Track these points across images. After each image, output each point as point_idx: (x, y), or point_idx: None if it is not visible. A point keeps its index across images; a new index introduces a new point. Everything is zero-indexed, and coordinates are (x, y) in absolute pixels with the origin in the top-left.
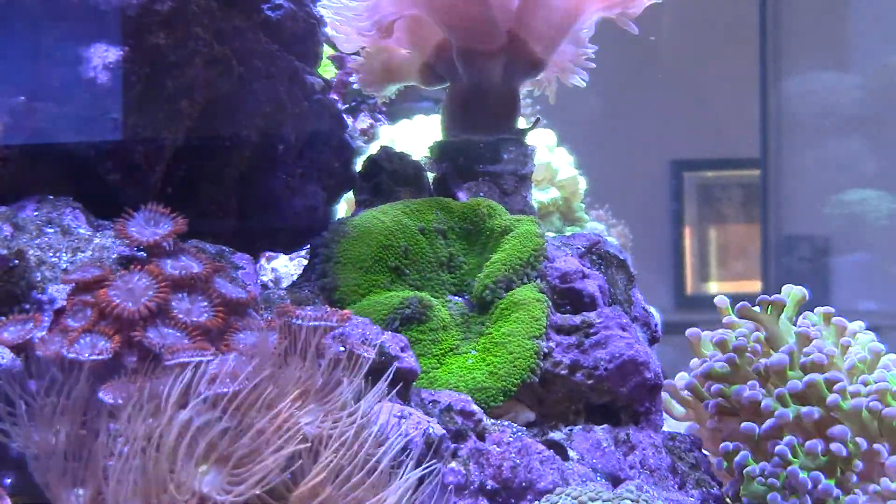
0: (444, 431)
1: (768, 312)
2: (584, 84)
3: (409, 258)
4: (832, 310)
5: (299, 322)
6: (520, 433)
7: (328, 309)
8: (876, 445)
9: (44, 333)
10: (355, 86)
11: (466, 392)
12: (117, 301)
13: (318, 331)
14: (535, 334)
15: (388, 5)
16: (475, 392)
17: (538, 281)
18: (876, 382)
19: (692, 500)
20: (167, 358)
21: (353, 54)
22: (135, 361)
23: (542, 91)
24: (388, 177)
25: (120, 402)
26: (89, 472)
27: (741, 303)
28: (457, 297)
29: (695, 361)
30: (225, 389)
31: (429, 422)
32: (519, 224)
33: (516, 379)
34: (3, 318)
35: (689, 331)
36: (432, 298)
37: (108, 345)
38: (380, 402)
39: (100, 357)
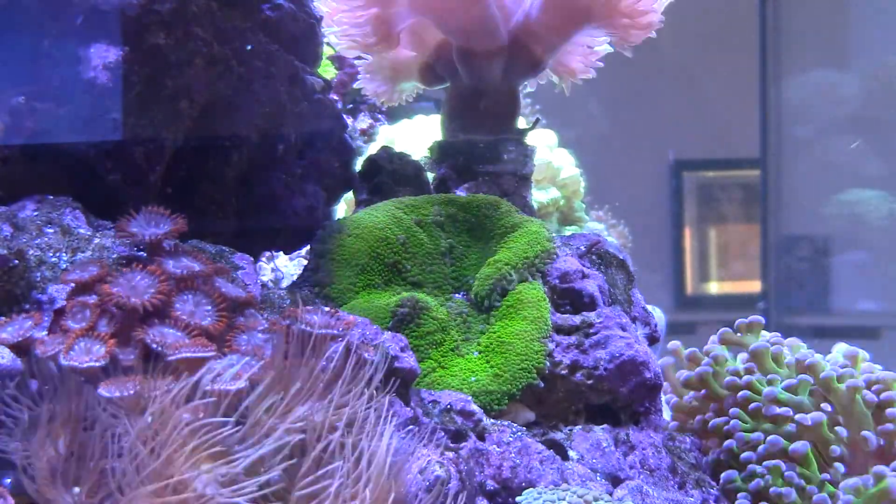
0: (445, 475)
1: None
2: (594, 75)
3: (408, 252)
4: (864, 354)
5: (305, 328)
6: (520, 433)
7: (333, 313)
8: (864, 433)
9: (44, 333)
10: (357, 85)
11: (470, 395)
12: (120, 293)
13: (322, 338)
14: (544, 335)
15: (391, 15)
16: (480, 395)
17: (540, 281)
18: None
19: (692, 500)
20: (170, 353)
21: (357, 57)
22: (133, 359)
23: (533, 88)
24: (388, 177)
25: (118, 395)
26: (85, 472)
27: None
28: (457, 295)
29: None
30: (229, 387)
31: (439, 464)
32: (529, 224)
33: (522, 382)
34: (3, 318)
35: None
36: (429, 298)
37: (102, 349)
38: (378, 400)
39: (95, 364)
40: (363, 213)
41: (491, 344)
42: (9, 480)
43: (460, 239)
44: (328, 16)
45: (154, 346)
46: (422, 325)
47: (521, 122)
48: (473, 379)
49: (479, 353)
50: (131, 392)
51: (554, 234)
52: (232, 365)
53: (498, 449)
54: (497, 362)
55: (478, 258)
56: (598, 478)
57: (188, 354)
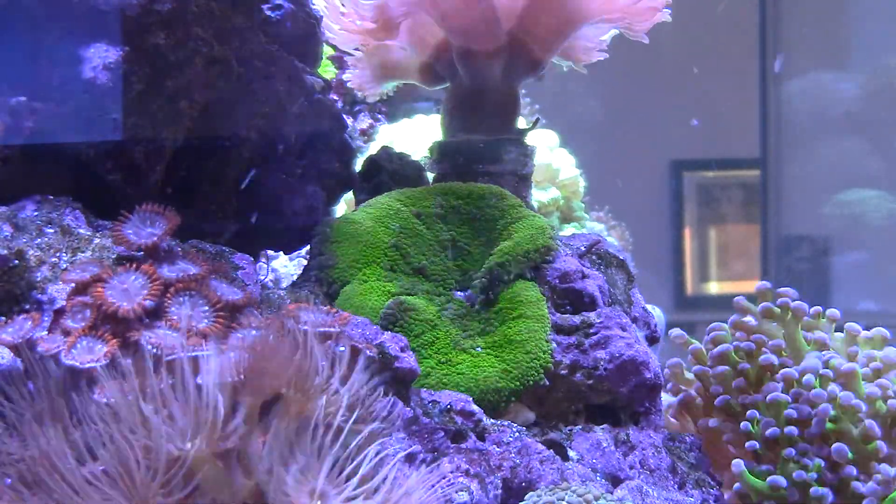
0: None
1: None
2: (606, 55)
3: (408, 238)
4: (836, 313)
5: (301, 327)
6: (520, 433)
7: (330, 311)
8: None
9: (44, 333)
10: (348, 84)
11: (479, 394)
12: (113, 300)
13: (319, 336)
14: (547, 333)
15: (396, 5)
16: (489, 393)
17: (531, 278)
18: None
19: (692, 500)
20: (167, 353)
21: (348, 53)
22: (130, 362)
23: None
24: (388, 177)
25: (112, 400)
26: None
27: (764, 304)
28: (459, 294)
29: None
30: (217, 381)
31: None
32: (534, 218)
33: (530, 380)
34: (3, 318)
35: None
36: (417, 300)
37: (104, 348)
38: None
39: (97, 364)
40: (361, 209)
41: (497, 341)
42: (10, 480)
43: (462, 231)
44: (329, 4)
45: (149, 347)
46: (411, 328)
47: (521, 122)
48: (482, 376)
49: (484, 349)
50: (124, 393)
51: (556, 232)
52: (228, 359)
53: (498, 449)
54: (508, 358)
55: (482, 253)
56: (598, 478)
57: (185, 354)
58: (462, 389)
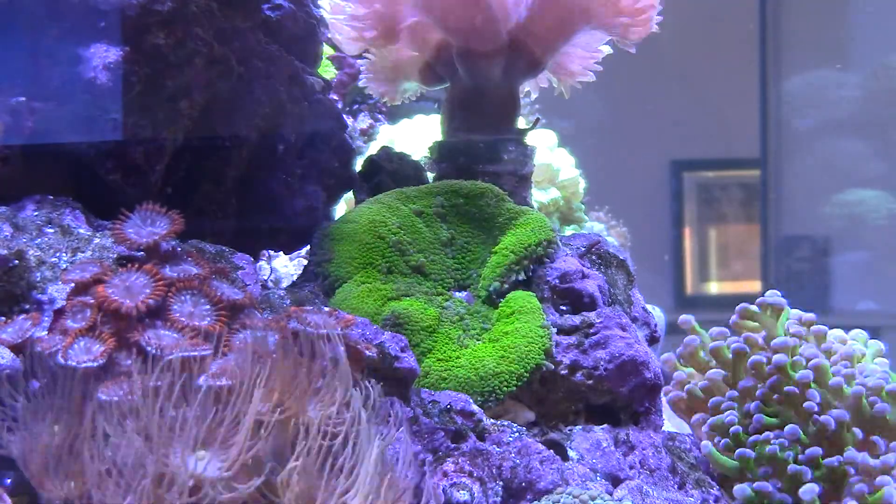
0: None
1: (768, 315)
2: (593, 78)
3: (407, 236)
4: (813, 316)
5: (303, 328)
6: (520, 433)
7: (332, 312)
8: (873, 437)
9: (44, 333)
10: (361, 84)
11: (479, 381)
12: (115, 297)
13: (322, 337)
14: (543, 319)
15: (393, 12)
16: (488, 378)
17: (533, 281)
18: (871, 376)
19: (692, 500)
20: (168, 353)
21: (358, 57)
22: (130, 364)
23: (537, 93)
24: (388, 177)
25: (116, 398)
26: (78, 467)
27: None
28: (458, 294)
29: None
30: (225, 383)
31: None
32: (531, 213)
33: (530, 362)
34: (3, 318)
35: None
36: (413, 306)
37: (101, 348)
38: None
39: (93, 364)
40: (362, 206)
41: (497, 336)
42: (9, 481)
43: (462, 229)
44: (330, 8)
45: (149, 348)
46: (410, 339)
47: (521, 122)
48: (480, 364)
49: (482, 342)
50: (126, 394)
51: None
52: (229, 360)
53: (498, 449)
54: (504, 344)
55: (482, 252)
56: (598, 478)
57: (185, 353)
58: (462, 380)
